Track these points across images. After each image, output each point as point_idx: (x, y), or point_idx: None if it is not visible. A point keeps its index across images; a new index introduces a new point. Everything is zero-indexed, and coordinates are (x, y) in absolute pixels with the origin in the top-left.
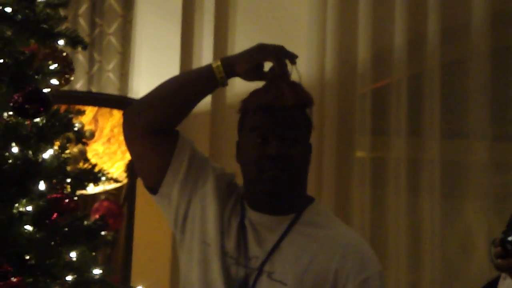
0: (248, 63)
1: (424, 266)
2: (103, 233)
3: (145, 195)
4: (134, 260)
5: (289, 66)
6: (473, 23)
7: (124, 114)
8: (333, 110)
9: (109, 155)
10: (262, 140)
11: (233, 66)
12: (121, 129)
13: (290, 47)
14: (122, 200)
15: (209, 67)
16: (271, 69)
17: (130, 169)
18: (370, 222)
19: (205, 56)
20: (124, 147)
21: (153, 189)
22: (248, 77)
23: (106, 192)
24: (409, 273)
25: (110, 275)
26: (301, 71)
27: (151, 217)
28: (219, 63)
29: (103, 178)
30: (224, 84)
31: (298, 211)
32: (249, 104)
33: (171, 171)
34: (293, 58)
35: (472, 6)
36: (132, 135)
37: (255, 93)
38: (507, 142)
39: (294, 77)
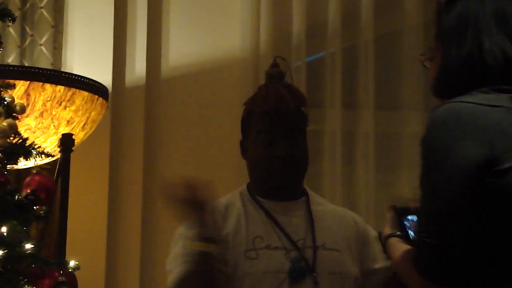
0: None
1: None
2: (35, 207)
3: (79, 169)
4: (69, 235)
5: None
6: None
7: None
8: None
9: (42, 129)
10: (269, 142)
11: None
12: (53, 103)
13: (224, 21)
14: (56, 174)
15: None
16: (268, 72)
17: (64, 143)
18: None
19: (139, 29)
20: (57, 121)
21: None
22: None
23: (39, 167)
24: None
25: (43, 250)
26: (235, 44)
27: (86, 191)
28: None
29: (34, 152)
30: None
31: (304, 195)
32: (254, 109)
33: None
34: None
35: None
36: None
37: (257, 98)
38: None
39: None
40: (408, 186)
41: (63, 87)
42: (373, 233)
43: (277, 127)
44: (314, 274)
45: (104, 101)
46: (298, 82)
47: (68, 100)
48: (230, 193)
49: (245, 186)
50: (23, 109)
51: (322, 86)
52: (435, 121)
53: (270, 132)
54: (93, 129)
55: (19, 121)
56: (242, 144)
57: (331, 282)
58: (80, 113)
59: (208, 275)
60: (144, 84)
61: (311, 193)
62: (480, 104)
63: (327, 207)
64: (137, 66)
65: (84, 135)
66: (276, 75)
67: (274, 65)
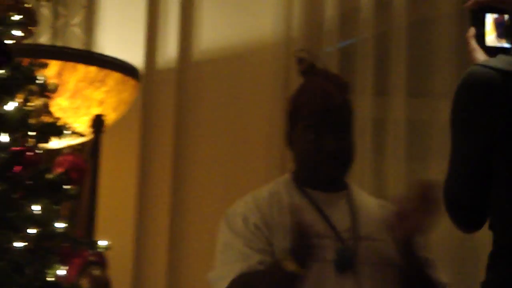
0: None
1: None
2: (66, 187)
3: (110, 150)
4: (98, 215)
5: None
6: None
7: None
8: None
9: (73, 110)
10: (317, 137)
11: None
12: (85, 84)
13: (257, 5)
14: (87, 155)
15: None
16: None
17: (95, 124)
18: None
19: (171, 11)
20: (88, 102)
21: None
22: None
23: (70, 147)
24: None
25: (74, 229)
26: (267, 29)
27: (116, 172)
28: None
29: (67, 132)
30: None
31: (346, 187)
32: (301, 105)
33: None
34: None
35: None
36: None
37: (305, 94)
38: None
39: None
40: (439, 174)
41: (95, 67)
42: None
43: (324, 122)
44: (358, 264)
45: (136, 82)
46: (330, 68)
47: (100, 81)
48: (272, 182)
49: (289, 175)
50: (55, 89)
51: (354, 73)
52: (458, 86)
53: (317, 128)
54: (124, 110)
55: (51, 100)
56: (288, 135)
57: (374, 272)
58: (111, 94)
59: None
60: (176, 66)
61: (352, 185)
62: (502, 70)
63: (368, 199)
64: (169, 49)
65: (116, 116)
66: (309, 69)
67: (300, 61)
